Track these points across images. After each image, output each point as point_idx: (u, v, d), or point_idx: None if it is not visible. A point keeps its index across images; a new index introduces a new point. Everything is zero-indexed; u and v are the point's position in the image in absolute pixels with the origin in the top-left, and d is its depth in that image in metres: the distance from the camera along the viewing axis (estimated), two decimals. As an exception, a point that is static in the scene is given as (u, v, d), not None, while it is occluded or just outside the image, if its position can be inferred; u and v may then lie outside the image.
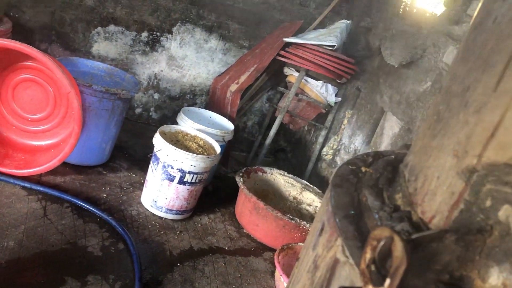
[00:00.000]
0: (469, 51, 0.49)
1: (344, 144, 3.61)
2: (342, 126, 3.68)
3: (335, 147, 3.71)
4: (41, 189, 2.45)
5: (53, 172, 2.63)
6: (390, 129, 3.04)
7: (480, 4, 0.52)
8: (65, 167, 2.75)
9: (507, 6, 0.44)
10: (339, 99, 3.66)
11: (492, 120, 0.41)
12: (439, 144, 0.49)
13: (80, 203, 2.45)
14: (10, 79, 2.59)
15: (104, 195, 2.66)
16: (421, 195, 0.49)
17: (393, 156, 0.70)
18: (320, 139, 3.82)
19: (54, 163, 2.49)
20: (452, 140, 0.46)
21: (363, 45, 3.57)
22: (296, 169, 4.08)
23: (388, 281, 0.36)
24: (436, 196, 0.46)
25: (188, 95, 3.92)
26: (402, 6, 3.24)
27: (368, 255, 0.39)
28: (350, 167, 0.66)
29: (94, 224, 2.36)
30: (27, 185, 2.44)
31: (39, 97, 2.64)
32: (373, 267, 0.38)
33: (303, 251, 0.62)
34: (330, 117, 3.77)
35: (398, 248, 0.35)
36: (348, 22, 3.58)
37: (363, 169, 0.65)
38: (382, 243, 0.37)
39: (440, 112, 0.50)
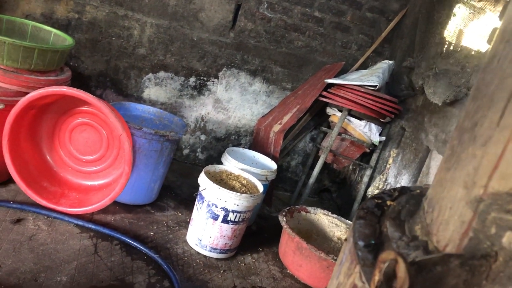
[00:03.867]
0: (479, 89, 0.53)
1: (390, 183, 3.56)
2: (388, 166, 3.64)
3: (380, 186, 3.67)
4: (93, 227, 2.58)
5: (105, 210, 2.77)
6: (436, 168, 2.99)
7: (490, 47, 0.56)
8: (116, 206, 2.89)
9: (508, 48, 0.48)
10: (383, 138, 3.64)
11: (495, 153, 0.44)
12: (452, 176, 0.51)
13: (128, 241, 2.54)
14: (68, 123, 2.80)
15: (152, 233, 2.75)
16: (436, 225, 0.51)
17: (418, 191, 0.72)
18: (365, 179, 3.79)
19: (105, 202, 2.62)
20: (462, 172, 0.49)
21: (406, 85, 3.58)
22: (341, 209, 4.04)
23: (393, 300, 0.39)
24: (449, 225, 0.49)
25: (233, 136, 4.03)
26: (446, 46, 3.25)
27: (376, 277, 0.42)
28: (376, 201, 0.69)
29: (141, 262, 2.44)
30: (80, 223, 2.57)
31: (93, 140, 2.82)
32: (382, 289, 0.41)
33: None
34: (374, 156, 3.75)
35: (401, 269, 0.38)
36: (391, 62, 3.62)
37: (389, 202, 0.68)
38: (386, 264, 0.40)
39: (454, 147, 0.53)
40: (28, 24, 2.99)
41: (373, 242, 0.55)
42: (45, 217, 2.57)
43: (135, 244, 2.53)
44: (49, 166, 2.83)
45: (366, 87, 3.33)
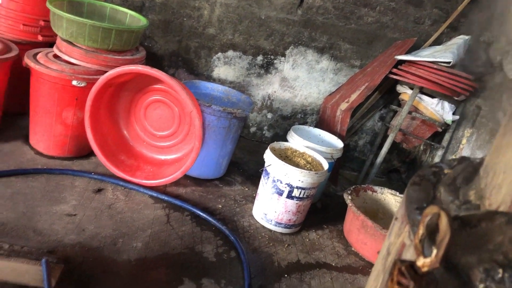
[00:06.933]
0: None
1: (463, 164, 3.42)
2: (461, 146, 3.49)
3: (452, 167, 3.53)
4: (166, 198, 2.73)
5: (176, 183, 2.93)
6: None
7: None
8: (187, 179, 3.03)
9: None
10: (457, 117, 3.49)
11: (550, 115, 0.44)
12: (508, 141, 0.51)
13: (198, 212, 2.67)
14: (143, 100, 2.96)
15: (220, 206, 2.87)
16: (489, 189, 0.52)
17: (478, 160, 0.71)
18: (437, 159, 3.67)
19: (177, 175, 2.76)
20: (517, 136, 0.49)
21: (483, 61, 3.38)
22: (410, 190, 3.95)
23: (434, 251, 0.40)
24: (502, 188, 0.49)
25: (299, 114, 4.04)
26: (529, 17, 3.02)
27: (420, 231, 0.43)
28: (433, 169, 0.69)
29: (210, 232, 2.56)
30: (154, 194, 2.74)
31: (166, 116, 2.96)
32: (426, 242, 0.43)
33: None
34: (447, 136, 3.61)
35: (443, 222, 0.40)
36: (467, 37, 3.43)
37: (446, 171, 0.68)
38: (429, 217, 0.41)
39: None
40: (106, 7, 3.18)
41: (425, 205, 0.56)
42: (123, 188, 2.76)
43: (204, 215, 2.65)
44: (126, 141, 3.03)
45: (439, 63, 3.19)
